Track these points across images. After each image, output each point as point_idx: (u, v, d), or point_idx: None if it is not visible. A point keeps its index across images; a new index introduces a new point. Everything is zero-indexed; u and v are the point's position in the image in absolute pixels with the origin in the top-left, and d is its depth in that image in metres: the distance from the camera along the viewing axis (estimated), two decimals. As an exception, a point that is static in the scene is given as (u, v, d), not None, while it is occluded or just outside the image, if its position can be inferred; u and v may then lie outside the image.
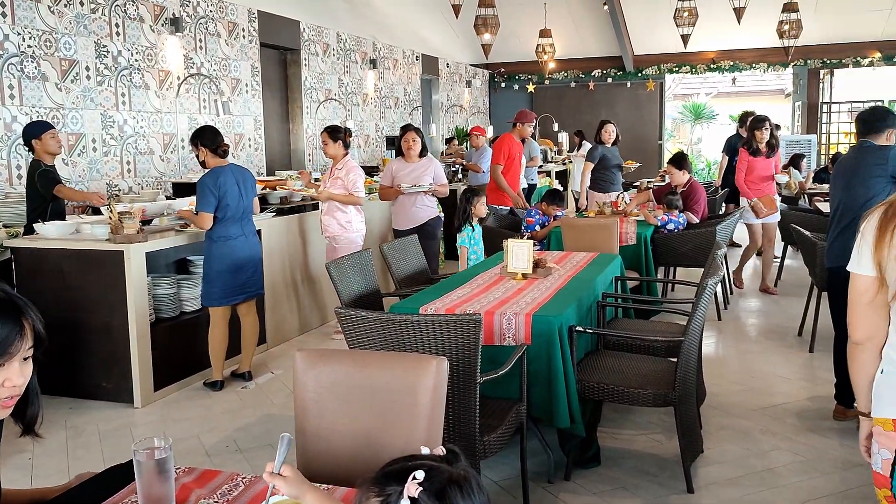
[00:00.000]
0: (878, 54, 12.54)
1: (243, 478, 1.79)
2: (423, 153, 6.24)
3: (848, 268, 1.89)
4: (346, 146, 5.89)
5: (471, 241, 5.51)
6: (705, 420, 4.12)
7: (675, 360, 3.43)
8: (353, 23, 10.56)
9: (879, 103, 11.06)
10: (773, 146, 6.96)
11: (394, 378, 1.99)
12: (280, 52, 9.37)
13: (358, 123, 10.81)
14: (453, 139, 12.51)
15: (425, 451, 1.33)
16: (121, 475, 1.80)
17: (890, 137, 4.13)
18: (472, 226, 5.53)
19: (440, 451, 1.33)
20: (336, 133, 5.84)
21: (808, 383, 4.72)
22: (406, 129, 6.36)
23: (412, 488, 1.20)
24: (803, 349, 5.41)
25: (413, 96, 12.55)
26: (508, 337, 3.32)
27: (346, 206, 5.80)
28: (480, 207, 5.61)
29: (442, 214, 6.70)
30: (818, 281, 5.42)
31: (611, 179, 8.21)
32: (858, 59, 12.66)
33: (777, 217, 7.10)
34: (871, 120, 4.06)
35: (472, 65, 14.63)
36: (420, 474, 1.21)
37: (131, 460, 1.62)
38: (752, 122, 7.12)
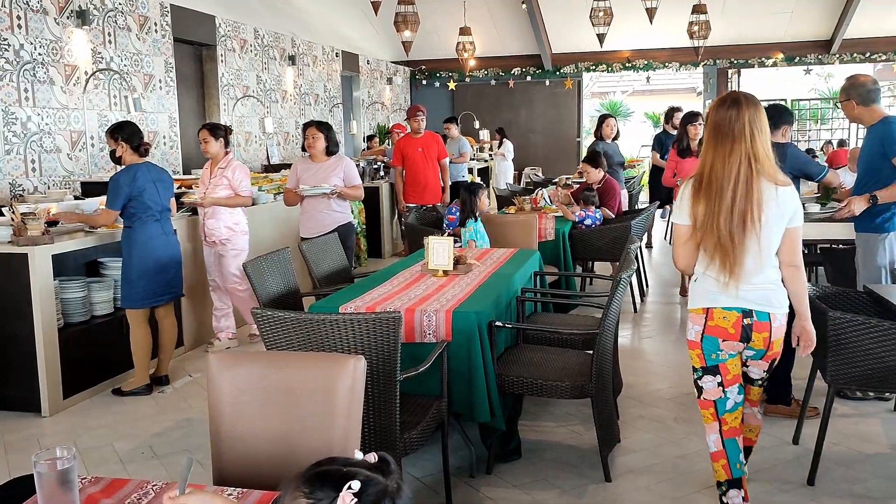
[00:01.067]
0: (781, 55, 13.11)
1: (154, 485, 1.74)
2: (331, 151, 5.71)
3: (671, 219, 2.98)
4: (228, 144, 5.57)
5: (477, 234, 5.46)
6: (622, 410, 4.23)
7: (591, 352, 3.51)
8: (270, 19, 10.38)
9: (781, 102, 11.58)
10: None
11: (310, 378, 1.97)
12: (195, 47, 9.14)
13: (277, 121, 10.65)
14: (374, 137, 12.45)
15: (359, 455, 1.31)
16: (23, 488, 1.73)
17: (785, 134, 4.31)
18: (475, 218, 5.49)
19: (372, 457, 1.31)
20: (217, 130, 5.51)
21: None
22: (307, 125, 5.82)
23: (346, 498, 1.17)
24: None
25: (333, 93, 12.43)
26: (429, 334, 3.34)
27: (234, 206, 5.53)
28: (484, 200, 5.60)
29: (355, 220, 6.49)
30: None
31: (615, 178, 7.62)
32: (763, 59, 13.21)
33: None
34: (767, 117, 4.19)
35: (392, 62, 14.60)
36: (356, 485, 1.18)
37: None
38: (684, 118, 6.80)
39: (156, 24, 8.10)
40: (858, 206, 4.14)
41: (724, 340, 2.73)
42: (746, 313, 2.69)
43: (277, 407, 1.97)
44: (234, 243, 5.53)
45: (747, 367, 2.85)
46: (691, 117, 6.77)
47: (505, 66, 14.65)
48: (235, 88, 9.66)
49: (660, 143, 8.89)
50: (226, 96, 9.46)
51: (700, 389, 2.84)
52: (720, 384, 2.79)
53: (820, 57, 13.17)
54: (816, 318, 3.35)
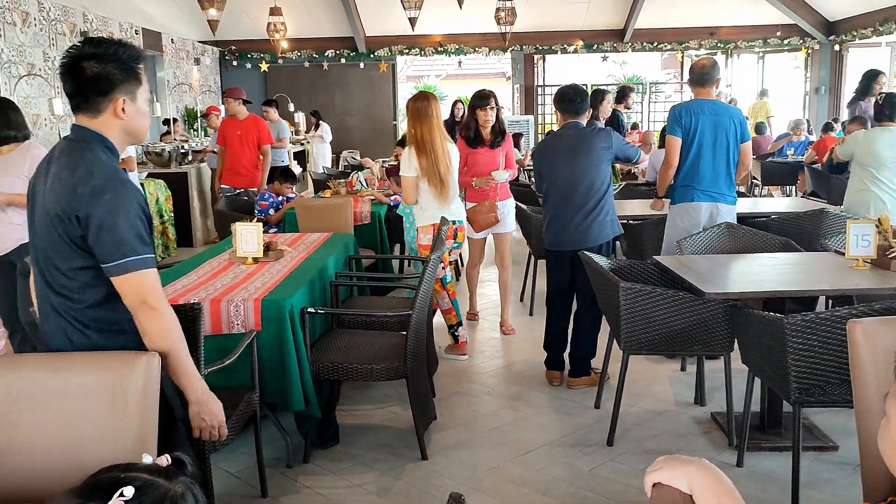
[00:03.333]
0: (581, 42, 13.89)
1: None
2: (6, 138, 4.06)
3: (402, 174, 4.70)
4: None
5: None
6: (439, 387, 4.32)
7: (405, 333, 3.54)
8: (57, -10, 9.52)
9: (583, 86, 12.20)
10: (501, 132, 5.20)
11: (96, 380, 1.83)
12: (-34, 19, 8.20)
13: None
14: (176, 121, 11.80)
15: (147, 459, 1.22)
16: None
17: (587, 117, 4.55)
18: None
19: (164, 460, 1.22)
20: None
21: (529, 345, 5.12)
22: None
23: None
24: (525, 313, 5.88)
25: (134, 73, 11.63)
26: (237, 324, 3.22)
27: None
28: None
29: (158, 207, 6.11)
30: (535, 251, 5.91)
31: None
32: (565, 46, 13.92)
33: (508, 228, 5.28)
34: (578, 101, 4.32)
35: (200, 41, 13.89)
36: (129, 491, 1.09)
37: None
38: (472, 100, 5.23)
39: (-84, -8, 7.18)
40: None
41: (445, 240, 4.21)
42: (455, 223, 4.69)
43: (59, 413, 1.81)
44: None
45: (450, 255, 4.73)
46: (481, 99, 5.17)
47: (319, 48, 14.41)
48: (18, 66, 8.79)
49: (618, 123, 7.90)
50: (6, 74, 8.58)
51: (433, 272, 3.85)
52: (443, 268, 4.52)
53: (615, 45, 14.08)
54: (610, 290, 3.59)
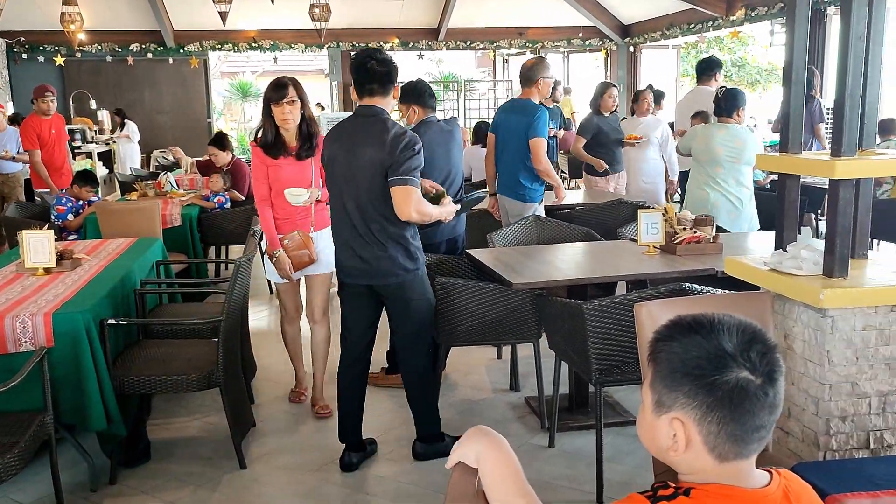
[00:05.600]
0: (397, 40, 14.02)
1: None
2: None
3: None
4: None
5: None
6: (258, 393, 4.21)
7: (217, 340, 3.41)
8: None
9: (400, 83, 12.29)
10: (310, 136, 3.74)
11: None
12: None
13: None
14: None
15: None
16: None
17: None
18: None
19: None
20: None
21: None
22: None
23: None
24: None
25: None
26: (25, 341, 2.96)
27: None
28: None
29: None
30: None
31: (610, 158, 6.58)
32: (381, 43, 13.98)
33: (325, 267, 3.89)
34: (427, 95, 4.25)
35: (-19, 31, 12.62)
36: None
37: None
38: (265, 93, 3.75)
39: None
40: None
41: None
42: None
43: None
44: None
45: None
46: (277, 90, 3.69)
47: (122, 42, 13.52)
48: None
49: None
50: None
51: None
52: None
53: (430, 43, 14.34)
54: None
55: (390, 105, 3.27)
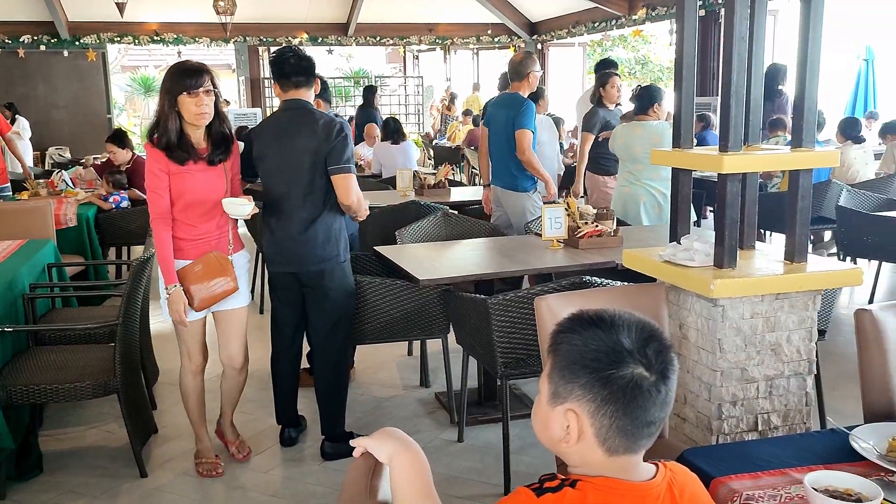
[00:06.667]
0: (305, 35, 13.82)
1: None
2: None
3: None
4: None
5: None
6: (161, 398, 4.08)
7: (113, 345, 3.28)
8: None
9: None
10: (224, 137, 3.13)
11: None
12: None
13: None
14: None
15: None
16: None
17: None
18: None
19: None
20: None
21: (259, 343, 5.00)
22: None
23: None
24: (255, 312, 5.73)
25: None
26: None
27: None
28: None
29: None
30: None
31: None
32: (290, 38, 13.75)
33: (243, 300, 3.27)
34: (329, 91, 4.39)
35: None
36: None
37: None
38: (168, 81, 3.02)
39: None
40: None
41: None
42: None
43: None
44: None
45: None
46: (188, 77, 2.99)
47: (12, 33, 12.83)
48: None
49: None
50: None
51: None
52: None
53: (339, 39, 14.20)
54: (331, 283, 3.59)
55: (312, 97, 3.35)
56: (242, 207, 3.04)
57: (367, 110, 10.37)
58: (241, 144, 3.33)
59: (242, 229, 4.26)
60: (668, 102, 4.81)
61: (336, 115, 3.37)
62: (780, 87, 7.45)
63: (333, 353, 3.37)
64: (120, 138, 6.64)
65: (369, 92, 10.76)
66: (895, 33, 13.03)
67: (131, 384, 3.32)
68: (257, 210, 3.11)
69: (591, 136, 5.71)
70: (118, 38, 13.41)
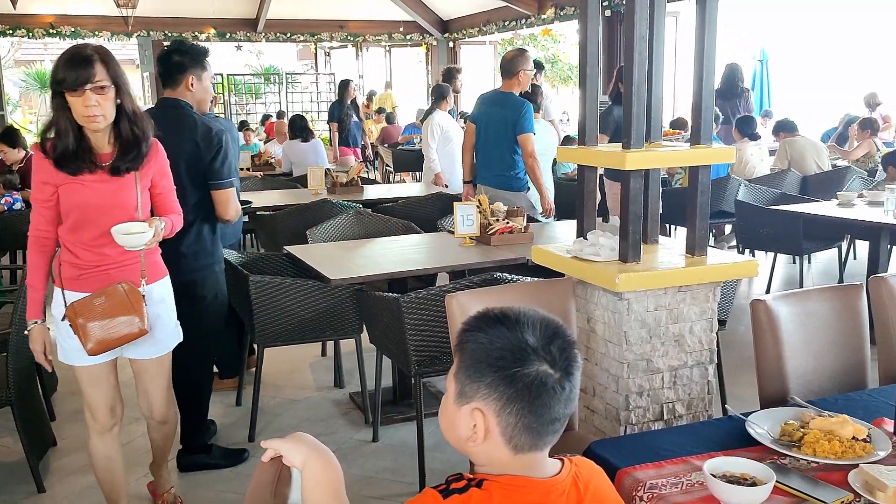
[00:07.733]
0: (213, 30, 13.46)
1: None
2: None
3: None
4: None
5: None
6: (61, 408, 3.90)
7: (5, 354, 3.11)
8: None
9: (218, 75, 11.87)
10: (135, 140, 2.46)
11: None
12: None
13: None
14: None
15: None
16: None
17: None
18: None
19: None
20: None
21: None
22: None
23: None
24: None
25: None
26: None
27: None
28: None
29: None
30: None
31: None
32: (196, 33, 13.37)
33: (166, 345, 2.65)
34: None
35: None
36: None
37: None
38: (59, 70, 2.35)
39: None
40: None
41: None
42: None
43: None
44: None
45: None
46: (75, 67, 2.39)
47: None
48: None
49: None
50: None
51: None
52: None
53: (248, 35, 13.89)
54: (239, 284, 3.53)
55: (193, 97, 3.18)
56: (137, 237, 2.38)
57: (341, 107, 9.39)
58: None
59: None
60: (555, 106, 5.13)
61: (217, 117, 3.28)
62: (741, 84, 7.85)
63: (202, 363, 3.31)
64: (10, 137, 6.33)
65: (343, 87, 9.58)
66: (787, 36, 13.74)
67: (26, 395, 3.16)
68: (160, 237, 2.48)
69: (606, 137, 5.41)
70: (10, 31, 12.75)
